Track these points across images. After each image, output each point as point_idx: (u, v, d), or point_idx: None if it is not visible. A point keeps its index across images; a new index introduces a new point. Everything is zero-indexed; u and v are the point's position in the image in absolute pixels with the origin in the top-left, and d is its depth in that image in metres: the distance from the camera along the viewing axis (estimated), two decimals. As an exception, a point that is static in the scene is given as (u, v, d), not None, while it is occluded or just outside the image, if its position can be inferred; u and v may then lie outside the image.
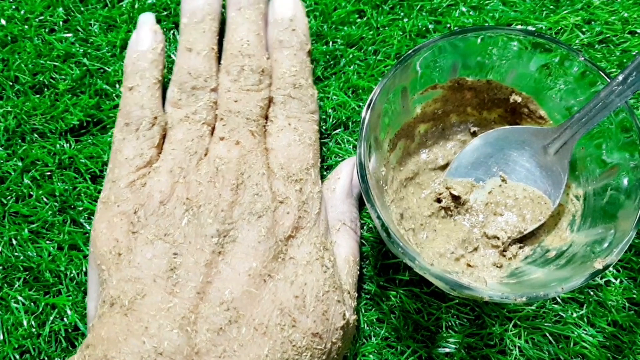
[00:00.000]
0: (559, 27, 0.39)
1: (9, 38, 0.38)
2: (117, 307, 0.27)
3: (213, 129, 0.33)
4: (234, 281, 0.27)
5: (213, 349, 0.26)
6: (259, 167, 0.30)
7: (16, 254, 0.34)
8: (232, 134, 0.31)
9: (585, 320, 0.33)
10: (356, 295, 0.31)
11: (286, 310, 0.27)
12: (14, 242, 0.34)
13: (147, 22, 0.35)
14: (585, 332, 0.33)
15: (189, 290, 0.27)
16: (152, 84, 0.33)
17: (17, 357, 0.32)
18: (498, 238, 0.32)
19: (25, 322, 0.32)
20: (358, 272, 0.32)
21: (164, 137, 0.32)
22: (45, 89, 0.37)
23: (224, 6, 0.36)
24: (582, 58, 0.29)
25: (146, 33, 0.34)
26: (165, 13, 0.38)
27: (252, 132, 0.31)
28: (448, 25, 0.39)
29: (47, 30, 0.38)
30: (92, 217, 0.34)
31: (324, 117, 0.36)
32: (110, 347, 0.25)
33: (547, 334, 0.33)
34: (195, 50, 0.33)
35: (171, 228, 0.28)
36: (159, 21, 0.38)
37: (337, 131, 0.36)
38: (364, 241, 0.34)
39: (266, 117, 0.33)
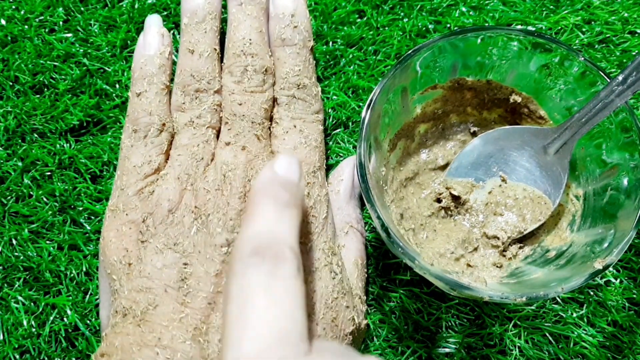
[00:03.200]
0: (559, 27, 0.39)
1: (9, 38, 0.38)
2: (129, 317, 0.27)
3: (218, 131, 0.32)
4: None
5: None
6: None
7: (16, 254, 0.34)
8: (238, 139, 0.31)
9: (585, 320, 0.33)
10: (365, 298, 0.31)
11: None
12: (14, 242, 0.34)
13: (154, 24, 0.34)
14: (585, 332, 0.33)
15: (200, 300, 0.27)
16: (160, 90, 0.32)
17: (17, 357, 0.32)
18: (498, 238, 0.32)
19: (25, 322, 0.32)
20: (366, 275, 0.32)
21: (171, 142, 0.32)
22: (45, 89, 0.37)
23: (224, 5, 0.36)
24: (582, 58, 0.29)
25: (153, 36, 0.34)
26: (165, 13, 0.38)
27: (257, 136, 0.31)
28: (448, 25, 0.39)
29: (47, 30, 0.38)
30: (92, 217, 0.34)
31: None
32: (124, 358, 0.26)
33: (547, 334, 0.33)
34: (198, 51, 0.33)
35: (180, 237, 0.28)
36: (159, 21, 0.38)
37: (337, 131, 0.37)
38: (366, 242, 0.34)
39: (271, 118, 0.33)
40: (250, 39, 0.33)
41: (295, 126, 0.32)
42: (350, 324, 0.28)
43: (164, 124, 0.32)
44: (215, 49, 0.33)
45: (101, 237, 0.30)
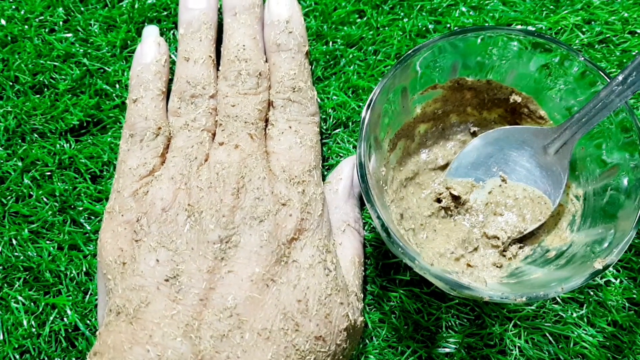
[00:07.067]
0: (559, 27, 0.39)
1: (9, 38, 0.38)
2: (122, 315, 0.27)
3: (214, 135, 0.33)
4: (236, 287, 0.27)
5: (217, 355, 0.26)
6: (259, 170, 0.30)
7: (16, 254, 0.34)
8: (231, 138, 0.31)
9: (585, 320, 0.33)
10: (362, 296, 0.31)
11: (289, 315, 0.27)
12: (14, 242, 0.34)
13: (150, 34, 0.35)
14: (585, 332, 0.33)
15: (192, 297, 0.27)
16: (156, 95, 0.33)
17: (17, 357, 0.32)
18: (498, 238, 0.32)
19: (25, 322, 0.32)
20: (363, 273, 0.32)
21: (168, 146, 0.32)
22: (45, 89, 0.37)
23: (221, 14, 0.37)
24: (582, 58, 0.29)
25: (150, 46, 0.35)
26: (165, 13, 0.38)
27: (251, 136, 0.31)
28: (448, 25, 0.39)
29: (47, 30, 0.38)
30: (92, 217, 0.34)
31: (324, 116, 0.36)
32: (116, 356, 0.26)
33: (547, 334, 0.33)
34: (193, 59, 0.33)
35: (173, 235, 0.28)
36: (159, 21, 0.38)
37: (337, 131, 0.37)
38: (365, 242, 0.34)
39: (267, 121, 0.33)
40: (244, 45, 0.33)
41: (290, 127, 0.32)
42: (345, 320, 0.28)
43: (159, 128, 0.32)
44: (211, 56, 0.34)
45: (98, 239, 0.30)
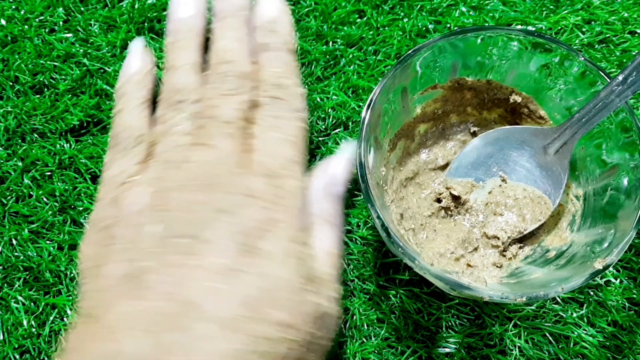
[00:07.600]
0: (559, 27, 0.39)
1: (9, 38, 0.38)
2: (88, 317, 0.27)
3: None
4: (202, 280, 0.27)
5: (181, 349, 0.25)
6: (233, 167, 0.30)
7: (16, 254, 0.34)
8: (210, 139, 0.31)
9: (585, 320, 0.33)
10: (338, 287, 0.31)
11: (258, 304, 0.27)
12: (14, 242, 0.34)
13: (136, 47, 0.36)
14: (585, 332, 0.33)
15: (157, 292, 0.27)
16: (139, 104, 0.33)
17: (17, 357, 0.32)
18: (498, 238, 0.32)
19: (25, 322, 0.32)
20: (340, 265, 0.32)
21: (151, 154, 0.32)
22: (45, 89, 0.37)
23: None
24: (582, 58, 0.29)
25: (135, 58, 0.35)
26: (165, 13, 0.38)
27: (229, 135, 0.31)
28: (448, 25, 0.39)
29: (47, 30, 0.38)
30: (92, 217, 0.34)
31: (323, 116, 0.36)
32: (78, 355, 0.26)
33: (547, 334, 0.33)
34: (177, 66, 0.33)
35: (144, 236, 0.28)
36: (159, 21, 0.38)
37: (336, 131, 0.36)
38: (364, 241, 0.34)
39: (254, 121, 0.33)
40: (229, 48, 0.33)
41: (273, 123, 0.32)
42: (318, 309, 0.28)
43: (141, 135, 0.32)
44: (196, 63, 0.34)
45: (78, 249, 0.30)
